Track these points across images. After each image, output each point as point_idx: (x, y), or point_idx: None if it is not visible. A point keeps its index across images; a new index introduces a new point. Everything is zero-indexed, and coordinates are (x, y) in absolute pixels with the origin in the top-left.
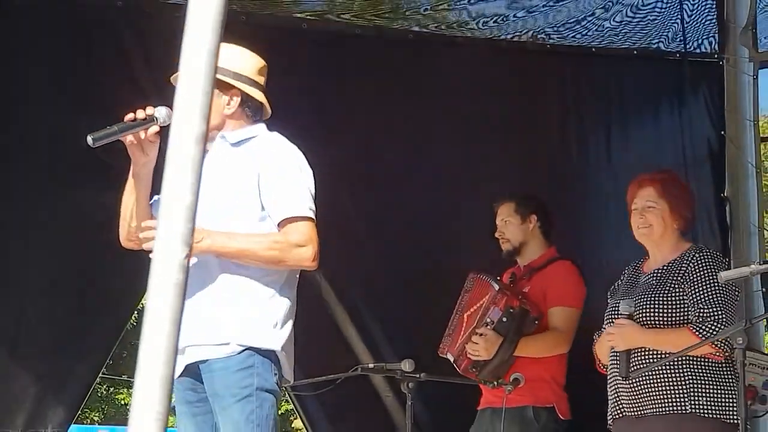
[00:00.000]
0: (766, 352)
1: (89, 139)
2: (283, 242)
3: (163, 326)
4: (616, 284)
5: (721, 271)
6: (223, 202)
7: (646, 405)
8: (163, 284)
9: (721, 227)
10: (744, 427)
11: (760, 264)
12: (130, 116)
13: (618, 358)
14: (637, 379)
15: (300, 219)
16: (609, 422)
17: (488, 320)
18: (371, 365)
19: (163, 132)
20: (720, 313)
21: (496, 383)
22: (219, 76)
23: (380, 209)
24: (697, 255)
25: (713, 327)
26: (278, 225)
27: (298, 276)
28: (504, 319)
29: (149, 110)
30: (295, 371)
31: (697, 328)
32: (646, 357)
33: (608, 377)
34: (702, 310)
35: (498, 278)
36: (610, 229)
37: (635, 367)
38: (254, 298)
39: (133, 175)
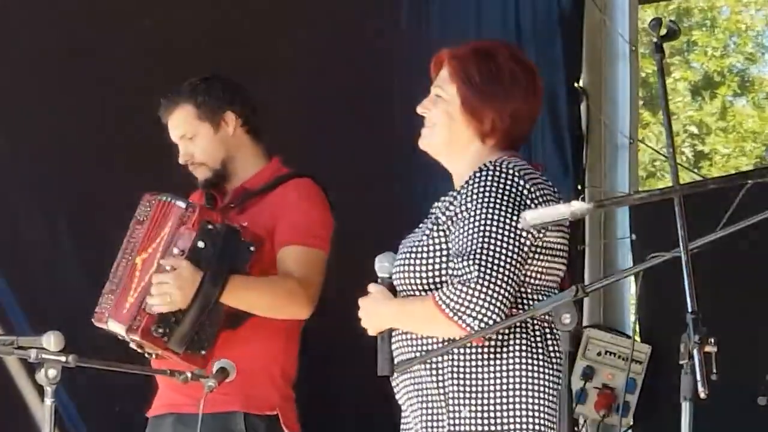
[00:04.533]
0: (629, 336)
1: None
2: None
3: None
4: None
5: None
6: None
7: (413, 420)
8: None
9: (573, 136)
10: None
11: (583, 200)
12: None
13: (378, 344)
14: (402, 379)
15: None
16: None
17: (176, 251)
18: None
19: None
20: (482, 268)
21: (190, 376)
22: None
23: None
24: (474, 176)
25: (467, 299)
26: None
27: None
28: (200, 245)
29: None
30: None
31: (443, 297)
32: (411, 343)
33: None
34: (451, 268)
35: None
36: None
37: (400, 358)
38: None
39: None
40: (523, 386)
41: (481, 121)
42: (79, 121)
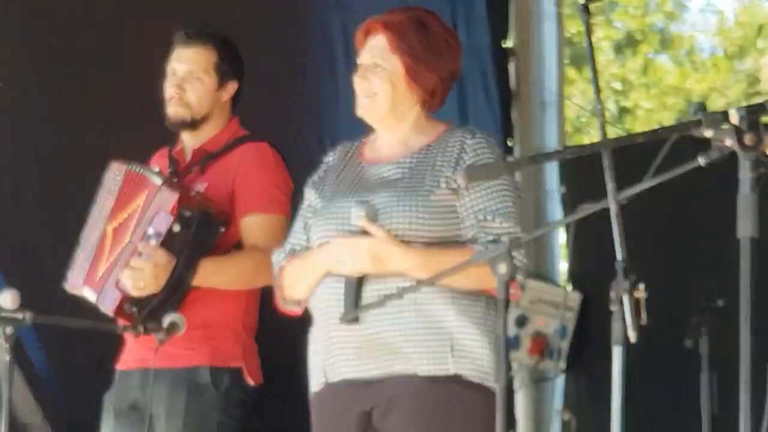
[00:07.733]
0: (560, 284)
1: None
2: None
3: None
4: (316, 177)
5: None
6: None
7: (386, 360)
8: None
9: (502, 96)
10: (504, 396)
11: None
12: None
13: (345, 289)
14: (371, 322)
15: None
16: (313, 391)
17: (152, 232)
18: None
19: None
20: (513, 229)
21: (143, 329)
22: None
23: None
24: (470, 141)
25: None
26: None
27: None
28: (176, 229)
29: None
30: None
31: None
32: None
33: (317, 323)
34: (486, 225)
35: (158, 170)
36: (335, 96)
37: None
38: None
39: None
40: (468, 330)
41: (425, 87)
42: (46, 91)
